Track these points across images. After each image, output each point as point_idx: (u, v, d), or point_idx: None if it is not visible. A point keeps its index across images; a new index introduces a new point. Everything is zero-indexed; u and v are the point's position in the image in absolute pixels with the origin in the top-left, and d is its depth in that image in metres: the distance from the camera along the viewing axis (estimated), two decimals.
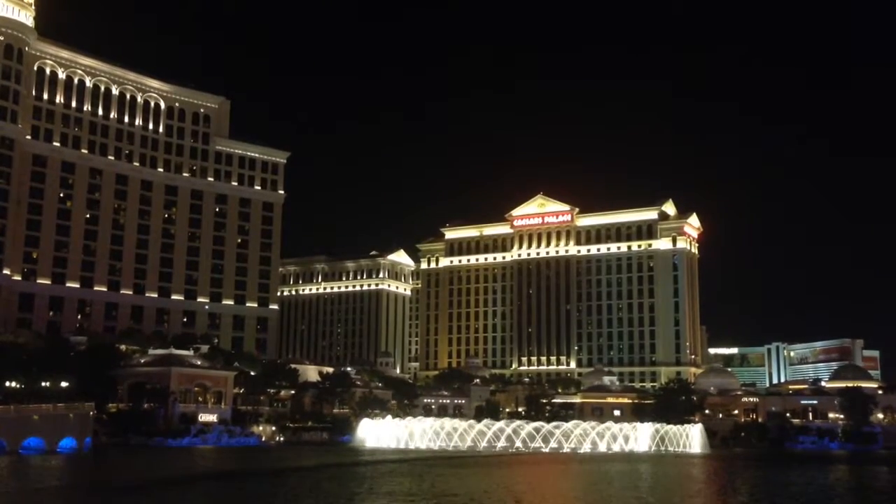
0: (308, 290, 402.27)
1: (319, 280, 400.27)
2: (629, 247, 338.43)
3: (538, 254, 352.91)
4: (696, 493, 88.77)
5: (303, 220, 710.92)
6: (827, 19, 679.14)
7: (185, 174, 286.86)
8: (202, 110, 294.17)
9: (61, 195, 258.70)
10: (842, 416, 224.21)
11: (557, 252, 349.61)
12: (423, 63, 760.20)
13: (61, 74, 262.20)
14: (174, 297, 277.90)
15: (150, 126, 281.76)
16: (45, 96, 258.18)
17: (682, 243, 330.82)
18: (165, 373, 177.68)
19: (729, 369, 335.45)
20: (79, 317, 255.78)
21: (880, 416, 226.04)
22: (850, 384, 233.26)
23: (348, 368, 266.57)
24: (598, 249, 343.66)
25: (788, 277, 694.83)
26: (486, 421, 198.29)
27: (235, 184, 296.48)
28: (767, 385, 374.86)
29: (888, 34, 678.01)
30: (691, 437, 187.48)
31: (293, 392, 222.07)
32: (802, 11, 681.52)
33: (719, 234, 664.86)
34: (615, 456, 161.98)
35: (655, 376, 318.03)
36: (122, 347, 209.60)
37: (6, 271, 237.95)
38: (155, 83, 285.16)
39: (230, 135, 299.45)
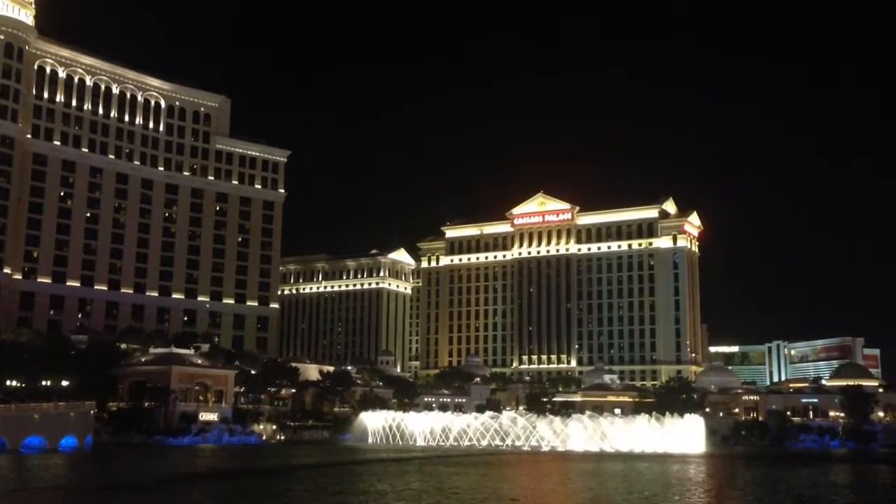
0: (308, 288, 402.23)
1: (320, 279, 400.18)
2: (630, 245, 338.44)
3: (539, 252, 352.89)
4: (696, 489, 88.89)
5: (303, 219, 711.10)
6: (827, 16, 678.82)
7: (185, 173, 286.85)
8: (202, 109, 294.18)
9: (62, 194, 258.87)
10: (842, 415, 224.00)
11: (558, 250, 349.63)
12: (423, 60, 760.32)
13: (62, 73, 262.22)
14: (175, 295, 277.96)
15: (151, 125, 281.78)
16: (46, 95, 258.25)
17: (682, 242, 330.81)
18: (166, 371, 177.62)
19: (729, 368, 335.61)
20: (79, 315, 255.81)
21: (881, 414, 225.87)
22: (850, 382, 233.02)
23: (349, 367, 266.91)
24: (599, 248, 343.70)
25: (789, 276, 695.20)
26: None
27: (236, 182, 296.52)
28: (768, 383, 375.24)
29: (888, 32, 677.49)
30: (690, 433, 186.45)
31: (294, 391, 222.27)
32: (803, 7, 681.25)
33: (720, 233, 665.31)
34: (613, 456, 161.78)
35: (656, 375, 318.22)
36: (123, 346, 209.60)
37: (7, 270, 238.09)
38: (155, 82, 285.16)
39: (230, 133, 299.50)
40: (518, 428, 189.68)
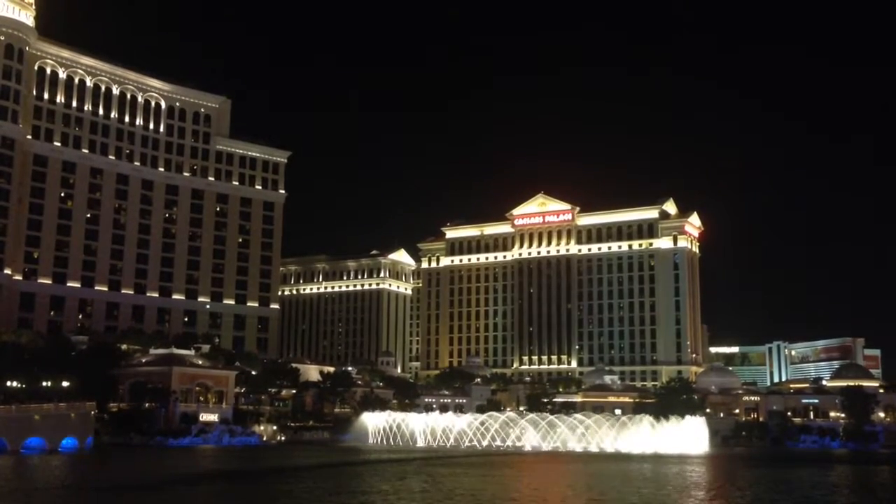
0: (309, 289, 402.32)
1: (320, 279, 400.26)
2: (630, 246, 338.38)
3: (539, 253, 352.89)
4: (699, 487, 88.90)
5: (304, 220, 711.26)
6: (829, 16, 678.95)
7: (185, 174, 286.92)
8: (203, 110, 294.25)
9: (62, 195, 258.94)
10: (843, 415, 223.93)
11: (558, 251, 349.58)
12: (423, 61, 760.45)
13: (62, 74, 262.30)
14: (175, 296, 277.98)
15: (151, 126, 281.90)
16: (46, 96, 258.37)
17: (683, 242, 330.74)
18: (166, 372, 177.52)
19: (730, 368, 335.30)
20: (80, 316, 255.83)
21: (881, 415, 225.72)
22: (851, 383, 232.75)
23: (349, 368, 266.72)
24: (599, 248, 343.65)
25: (789, 276, 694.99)
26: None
27: (236, 183, 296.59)
28: (768, 384, 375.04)
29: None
30: (692, 434, 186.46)
31: (294, 391, 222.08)
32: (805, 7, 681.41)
33: (720, 233, 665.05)
34: (613, 456, 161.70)
35: (657, 375, 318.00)
36: (123, 347, 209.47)
37: (7, 271, 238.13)
38: (155, 83, 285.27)
39: (231, 134, 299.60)
40: (518, 428, 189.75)
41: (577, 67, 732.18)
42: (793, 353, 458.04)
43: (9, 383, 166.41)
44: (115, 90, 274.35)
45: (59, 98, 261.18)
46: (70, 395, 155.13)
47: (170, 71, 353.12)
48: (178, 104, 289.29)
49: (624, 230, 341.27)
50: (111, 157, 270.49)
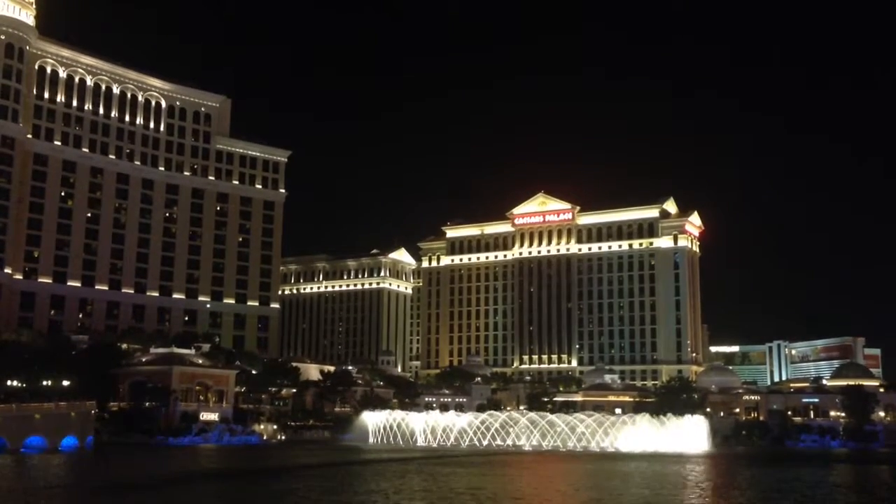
0: (309, 288, 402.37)
1: (320, 279, 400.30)
2: (630, 245, 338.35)
3: (539, 252, 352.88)
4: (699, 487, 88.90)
5: (304, 219, 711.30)
6: (825, 17, 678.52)
7: (186, 173, 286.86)
8: (203, 109, 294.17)
9: (62, 194, 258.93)
10: (843, 415, 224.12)
11: (559, 250, 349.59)
12: (423, 61, 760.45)
13: (62, 73, 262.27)
14: (175, 295, 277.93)
15: (151, 125, 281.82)
16: (47, 95, 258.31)
17: (683, 241, 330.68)
18: (167, 371, 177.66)
19: (730, 367, 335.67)
20: (80, 315, 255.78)
21: (881, 414, 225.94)
22: (851, 382, 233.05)
23: (349, 367, 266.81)
24: (600, 248, 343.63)
25: (789, 275, 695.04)
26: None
27: (236, 182, 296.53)
28: (769, 383, 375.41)
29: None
30: (693, 433, 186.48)
31: (294, 390, 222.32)
32: (802, 7, 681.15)
33: (720, 233, 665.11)
34: (614, 455, 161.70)
35: (657, 374, 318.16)
36: (124, 346, 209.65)
37: (7, 270, 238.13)
38: (156, 82, 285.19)
39: (231, 133, 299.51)
40: (518, 428, 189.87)
41: (577, 67, 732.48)
42: (793, 352, 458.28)
43: (9, 382, 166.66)
44: (116, 89, 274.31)
45: (60, 97, 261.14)
46: (70, 394, 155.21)
47: (170, 70, 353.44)
48: (178, 103, 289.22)
49: (624, 229, 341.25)
50: (111, 157, 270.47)
